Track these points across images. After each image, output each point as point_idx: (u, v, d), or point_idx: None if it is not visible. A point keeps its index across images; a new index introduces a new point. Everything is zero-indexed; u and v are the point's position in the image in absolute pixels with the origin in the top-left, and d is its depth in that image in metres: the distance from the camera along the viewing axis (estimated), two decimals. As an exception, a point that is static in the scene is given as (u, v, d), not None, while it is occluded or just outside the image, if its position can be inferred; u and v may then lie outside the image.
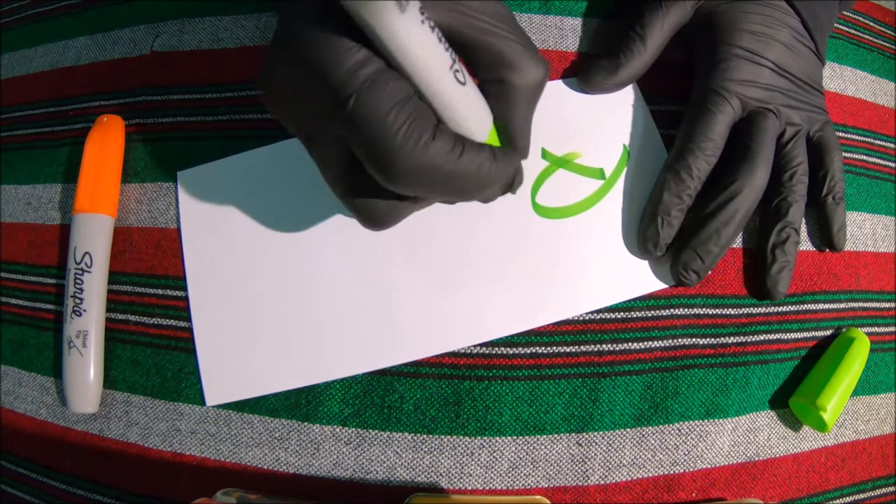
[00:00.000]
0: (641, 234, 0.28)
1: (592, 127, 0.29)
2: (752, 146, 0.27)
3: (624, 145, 0.29)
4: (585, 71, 0.29)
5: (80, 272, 0.28)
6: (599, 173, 0.29)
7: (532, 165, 0.28)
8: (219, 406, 0.27)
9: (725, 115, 0.27)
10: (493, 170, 0.19)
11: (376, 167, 0.17)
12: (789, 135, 0.28)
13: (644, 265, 0.28)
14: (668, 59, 0.29)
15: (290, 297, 0.28)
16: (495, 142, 0.21)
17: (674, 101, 0.30)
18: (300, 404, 0.27)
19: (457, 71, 0.17)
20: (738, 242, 0.29)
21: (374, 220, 0.20)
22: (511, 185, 0.21)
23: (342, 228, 0.28)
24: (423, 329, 0.27)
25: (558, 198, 0.28)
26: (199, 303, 0.28)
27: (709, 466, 0.27)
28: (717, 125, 0.27)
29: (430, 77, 0.17)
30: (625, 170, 0.29)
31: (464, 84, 0.18)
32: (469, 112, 0.18)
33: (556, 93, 0.29)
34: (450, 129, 0.18)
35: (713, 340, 0.28)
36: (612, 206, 0.28)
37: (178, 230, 0.29)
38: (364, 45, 0.16)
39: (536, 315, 0.27)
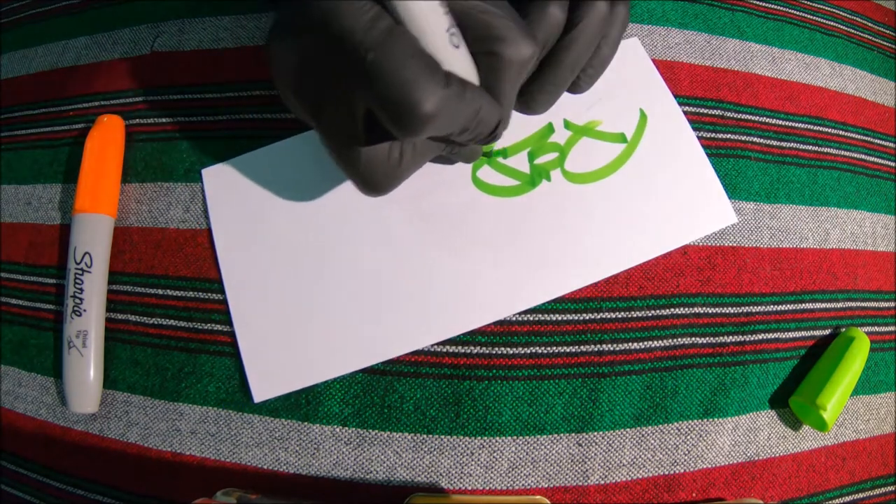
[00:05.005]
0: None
1: (608, 95, 0.30)
2: None
3: (640, 109, 0.30)
4: None
5: (80, 272, 0.28)
6: (621, 137, 0.30)
7: (557, 136, 0.30)
8: (222, 406, 0.27)
9: None
10: (489, 109, 0.20)
11: (399, 114, 0.17)
12: None
13: (669, 223, 0.29)
14: None
15: (329, 285, 0.28)
16: None
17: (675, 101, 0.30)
18: (300, 404, 0.27)
19: (452, 34, 0.19)
20: (738, 242, 0.29)
21: (376, 185, 0.22)
22: (494, 130, 0.21)
23: (374, 211, 0.29)
24: (465, 303, 0.28)
25: (585, 163, 0.30)
26: (237, 301, 0.28)
27: (709, 466, 0.27)
28: None
29: (431, 35, 0.18)
30: (644, 132, 0.30)
31: (457, 47, 0.19)
32: (461, 74, 0.19)
33: None
34: (454, 73, 0.19)
35: (712, 340, 0.28)
36: (636, 167, 0.30)
37: (209, 229, 0.29)
38: (374, 2, 0.17)
39: (570, 280, 0.28)
